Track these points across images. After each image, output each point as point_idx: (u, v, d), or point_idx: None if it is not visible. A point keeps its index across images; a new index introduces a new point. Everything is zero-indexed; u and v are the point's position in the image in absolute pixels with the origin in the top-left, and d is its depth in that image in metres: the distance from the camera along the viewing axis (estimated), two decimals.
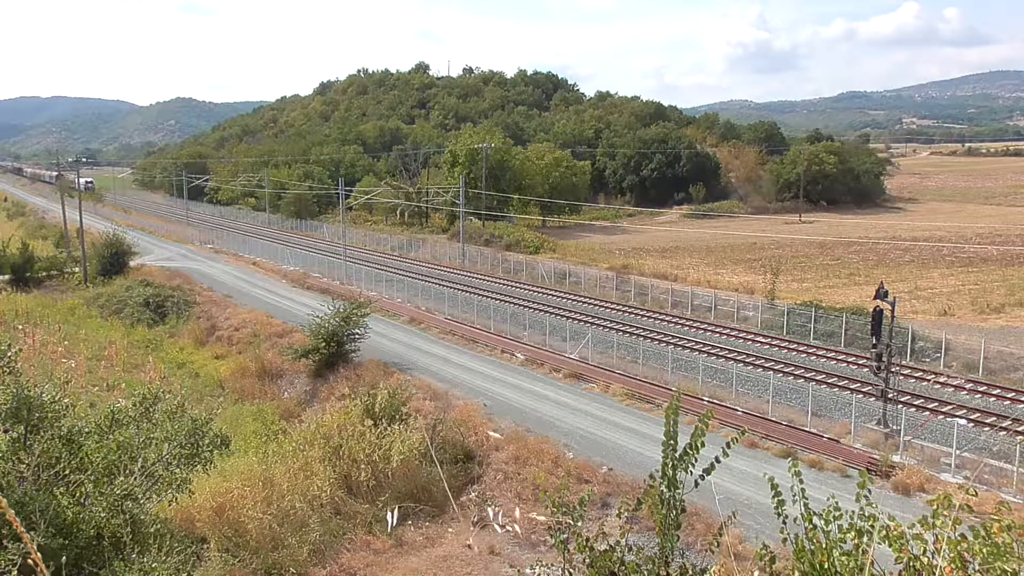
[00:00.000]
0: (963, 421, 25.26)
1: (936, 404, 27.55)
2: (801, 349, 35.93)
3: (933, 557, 3.35)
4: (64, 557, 7.61)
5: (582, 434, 25.84)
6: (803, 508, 3.75)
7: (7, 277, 57.56)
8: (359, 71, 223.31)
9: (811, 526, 3.65)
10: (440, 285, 52.10)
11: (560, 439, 25.27)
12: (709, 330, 40.03)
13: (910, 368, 30.99)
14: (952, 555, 3.30)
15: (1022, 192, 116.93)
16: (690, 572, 3.89)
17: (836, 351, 35.11)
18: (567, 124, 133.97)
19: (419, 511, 22.50)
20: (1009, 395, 28.49)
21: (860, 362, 32.40)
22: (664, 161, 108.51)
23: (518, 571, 4.36)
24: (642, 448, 24.16)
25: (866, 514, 3.59)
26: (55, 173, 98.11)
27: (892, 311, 25.21)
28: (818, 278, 55.00)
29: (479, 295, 47.86)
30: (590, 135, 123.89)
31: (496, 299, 46.24)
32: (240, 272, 62.00)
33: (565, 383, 31.68)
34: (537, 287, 53.78)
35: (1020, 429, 24.58)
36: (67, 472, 9.82)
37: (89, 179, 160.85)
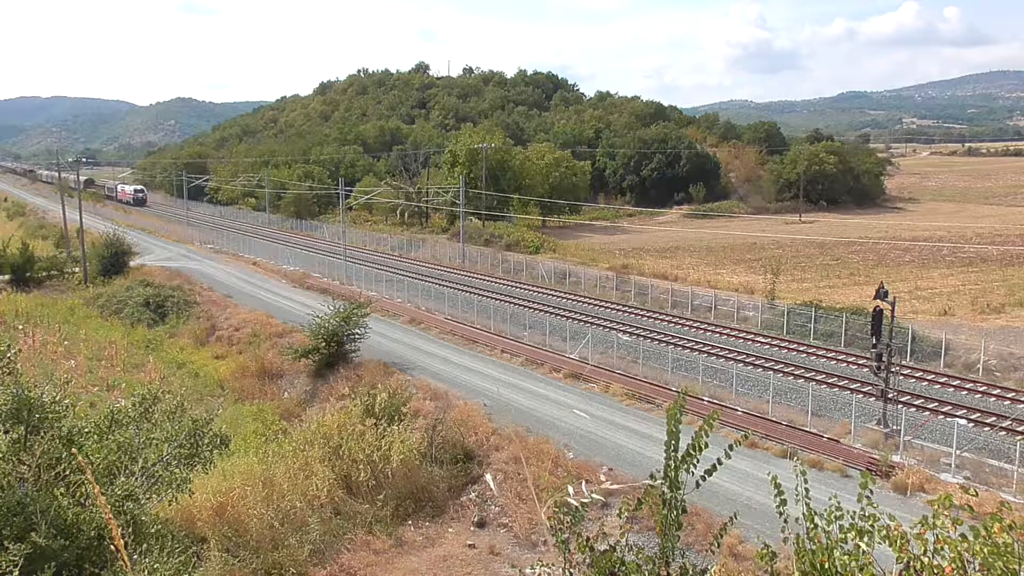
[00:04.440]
0: (963, 421, 25.26)
1: (936, 404, 27.57)
2: (801, 349, 35.92)
3: (933, 557, 3.35)
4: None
5: (582, 434, 25.84)
6: (805, 508, 3.75)
7: (7, 277, 57.54)
8: (359, 71, 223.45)
9: (812, 526, 3.65)
10: (440, 285, 52.10)
11: (560, 439, 25.27)
12: (709, 330, 40.02)
13: (910, 368, 31.00)
14: (953, 555, 3.30)
15: (1022, 192, 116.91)
16: (690, 572, 3.90)
17: (836, 351, 35.11)
18: (567, 124, 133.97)
19: (419, 511, 22.54)
20: (1009, 395, 28.49)
21: (860, 362, 32.40)
22: (664, 161, 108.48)
23: (519, 571, 4.36)
24: (642, 448, 24.17)
25: (867, 514, 3.59)
26: (84, 179, 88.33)
27: (892, 311, 25.21)
28: (818, 278, 54.99)
29: (479, 295, 47.86)
30: (590, 135, 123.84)
31: (496, 299, 46.24)
32: (240, 272, 61.99)
33: (565, 383, 31.69)
34: (537, 287, 53.77)
35: (1020, 429, 24.58)
36: (67, 473, 9.81)
37: (140, 187, 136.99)
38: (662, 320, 42.76)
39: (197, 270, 61.70)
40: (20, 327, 41.44)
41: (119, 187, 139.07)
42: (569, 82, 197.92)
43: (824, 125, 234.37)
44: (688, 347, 36.12)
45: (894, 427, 24.54)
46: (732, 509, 4.73)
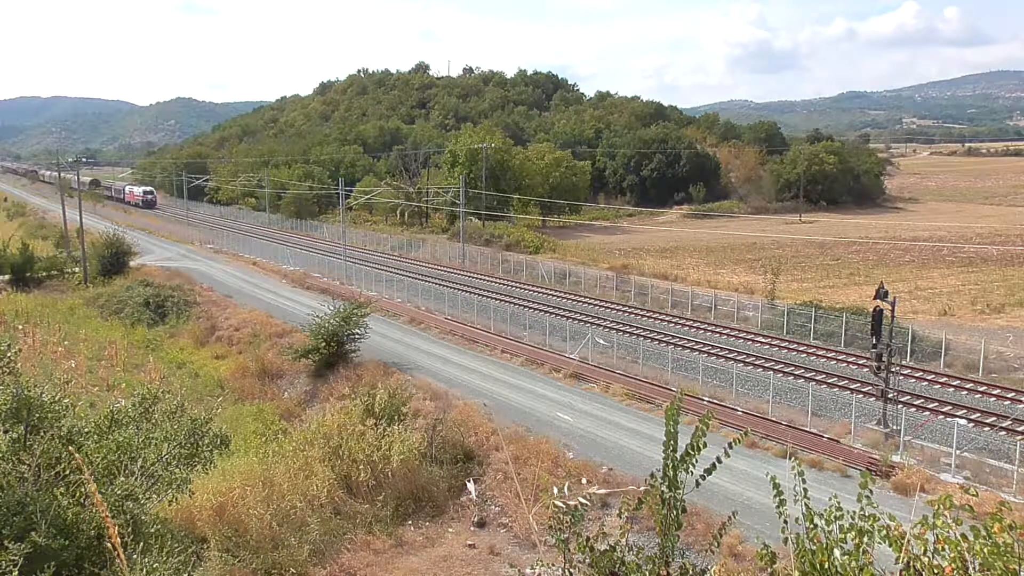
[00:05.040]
0: (963, 421, 25.26)
1: (936, 404, 27.57)
2: (801, 349, 35.92)
3: (933, 557, 3.35)
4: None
5: (582, 434, 25.84)
6: (805, 508, 3.75)
7: (7, 277, 57.53)
8: (359, 71, 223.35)
9: (812, 526, 3.65)
10: (440, 285, 52.10)
11: (560, 439, 25.27)
12: (709, 330, 40.02)
13: (910, 368, 31.00)
14: (953, 555, 3.30)
15: (1022, 192, 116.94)
16: (690, 572, 3.89)
17: (836, 351, 35.11)
18: (567, 124, 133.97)
19: (419, 511, 22.53)
20: (1009, 395, 28.49)
21: (860, 362, 32.39)
22: (664, 161, 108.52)
23: (518, 571, 4.36)
24: (642, 448, 24.16)
25: (867, 514, 3.58)
26: (89, 179, 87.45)
27: (892, 311, 25.21)
28: (818, 278, 55.00)
29: (479, 295, 47.86)
30: (590, 135, 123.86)
31: (496, 299, 46.23)
32: (240, 272, 62.00)
33: (565, 383, 31.69)
34: (537, 287, 53.77)
35: (1020, 429, 24.58)
36: (67, 472, 9.81)
37: (149, 188, 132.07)
38: (662, 320, 42.76)
39: (197, 270, 61.71)
40: (20, 327, 41.46)
41: (127, 188, 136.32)
42: (569, 82, 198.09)
43: (824, 125, 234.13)
44: (688, 347, 36.12)
45: (894, 427, 24.54)
46: (732, 509, 4.72)
